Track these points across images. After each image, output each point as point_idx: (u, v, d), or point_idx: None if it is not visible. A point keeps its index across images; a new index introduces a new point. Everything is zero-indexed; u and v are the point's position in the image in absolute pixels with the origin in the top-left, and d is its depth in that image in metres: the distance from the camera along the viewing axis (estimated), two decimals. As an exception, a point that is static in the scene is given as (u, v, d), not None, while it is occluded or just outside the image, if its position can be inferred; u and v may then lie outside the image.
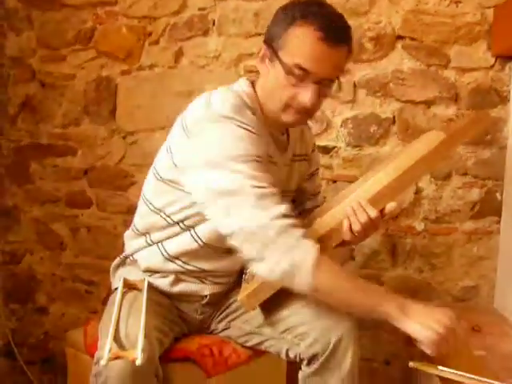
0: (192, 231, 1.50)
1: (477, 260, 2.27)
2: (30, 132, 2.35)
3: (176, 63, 2.25)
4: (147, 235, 1.58)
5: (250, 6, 2.20)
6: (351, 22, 2.03)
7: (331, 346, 1.42)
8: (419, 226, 2.26)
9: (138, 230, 1.61)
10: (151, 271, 1.59)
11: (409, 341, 1.35)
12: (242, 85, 1.50)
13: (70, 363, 1.76)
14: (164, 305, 1.57)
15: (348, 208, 1.42)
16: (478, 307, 2.26)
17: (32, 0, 2.29)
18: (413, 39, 2.19)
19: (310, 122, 1.75)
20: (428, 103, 2.20)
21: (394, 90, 2.21)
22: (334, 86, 1.43)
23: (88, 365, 1.31)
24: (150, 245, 1.58)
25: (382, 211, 1.44)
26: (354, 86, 2.21)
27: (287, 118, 1.44)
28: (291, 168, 1.62)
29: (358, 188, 1.54)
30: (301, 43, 1.34)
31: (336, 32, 1.36)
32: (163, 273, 1.58)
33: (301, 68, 1.35)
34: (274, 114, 1.45)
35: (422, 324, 1.27)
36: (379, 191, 1.45)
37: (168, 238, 1.54)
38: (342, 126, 2.24)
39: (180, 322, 1.62)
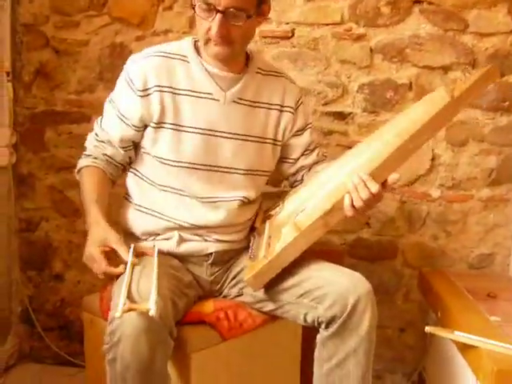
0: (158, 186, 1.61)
1: (492, 227, 2.27)
2: (44, 99, 2.34)
3: (190, 28, 2.22)
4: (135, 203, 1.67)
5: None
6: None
7: (349, 307, 1.43)
8: (435, 192, 2.25)
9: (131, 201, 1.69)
10: (150, 234, 1.64)
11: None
12: (183, 40, 1.65)
13: (86, 328, 1.78)
14: (177, 268, 1.59)
15: (349, 183, 1.42)
16: (493, 274, 2.26)
17: (45, -34, 2.27)
18: (430, 3, 2.16)
19: (292, 77, 1.76)
20: (445, 69, 2.18)
21: (411, 56, 2.18)
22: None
23: (104, 329, 1.32)
24: (139, 210, 1.65)
25: (384, 183, 1.43)
26: (371, 51, 2.19)
27: (210, 50, 1.53)
28: (246, 112, 1.63)
29: (359, 155, 1.51)
30: None
31: None
32: (165, 234, 1.62)
33: (204, 2, 1.44)
34: (204, 51, 1.57)
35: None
36: (381, 164, 1.42)
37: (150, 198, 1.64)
38: (357, 91, 2.22)
39: (195, 285, 1.64)
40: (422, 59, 2.18)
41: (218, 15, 1.44)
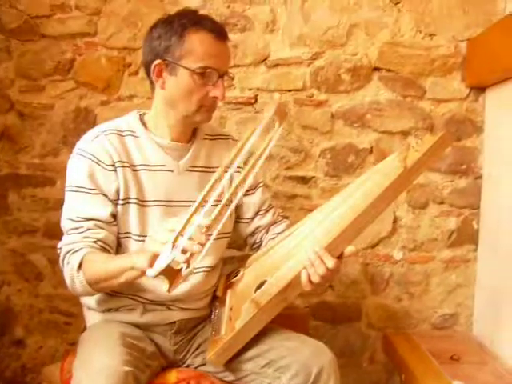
0: None
1: (455, 288, 2.30)
2: (8, 162, 2.32)
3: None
4: None
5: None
6: (328, 53, 2.07)
7: (313, 376, 1.42)
8: (397, 254, 2.28)
9: None
10: (112, 309, 1.61)
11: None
12: (128, 115, 1.65)
13: (46, 399, 1.74)
14: (140, 338, 1.55)
15: (305, 259, 1.40)
16: (456, 335, 2.28)
17: (11, 30, 2.28)
18: (389, 71, 2.23)
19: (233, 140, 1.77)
20: (405, 133, 2.25)
21: (371, 121, 2.24)
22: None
23: (65, 401, 1.30)
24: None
25: (340, 255, 1.42)
26: (332, 116, 2.24)
27: (200, 117, 1.56)
28: (201, 178, 1.63)
29: (315, 227, 1.51)
30: (202, 46, 1.49)
31: (221, 29, 1.53)
32: (128, 306, 1.59)
33: (207, 67, 1.49)
34: (186, 118, 1.56)
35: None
36: (336, 237, 1.39)
37: None
38: (320, 156, 2.26)
39: (158, 356, 1.60)
40: (382, 124, 2.24)
41: (221, 79, 1.51)
